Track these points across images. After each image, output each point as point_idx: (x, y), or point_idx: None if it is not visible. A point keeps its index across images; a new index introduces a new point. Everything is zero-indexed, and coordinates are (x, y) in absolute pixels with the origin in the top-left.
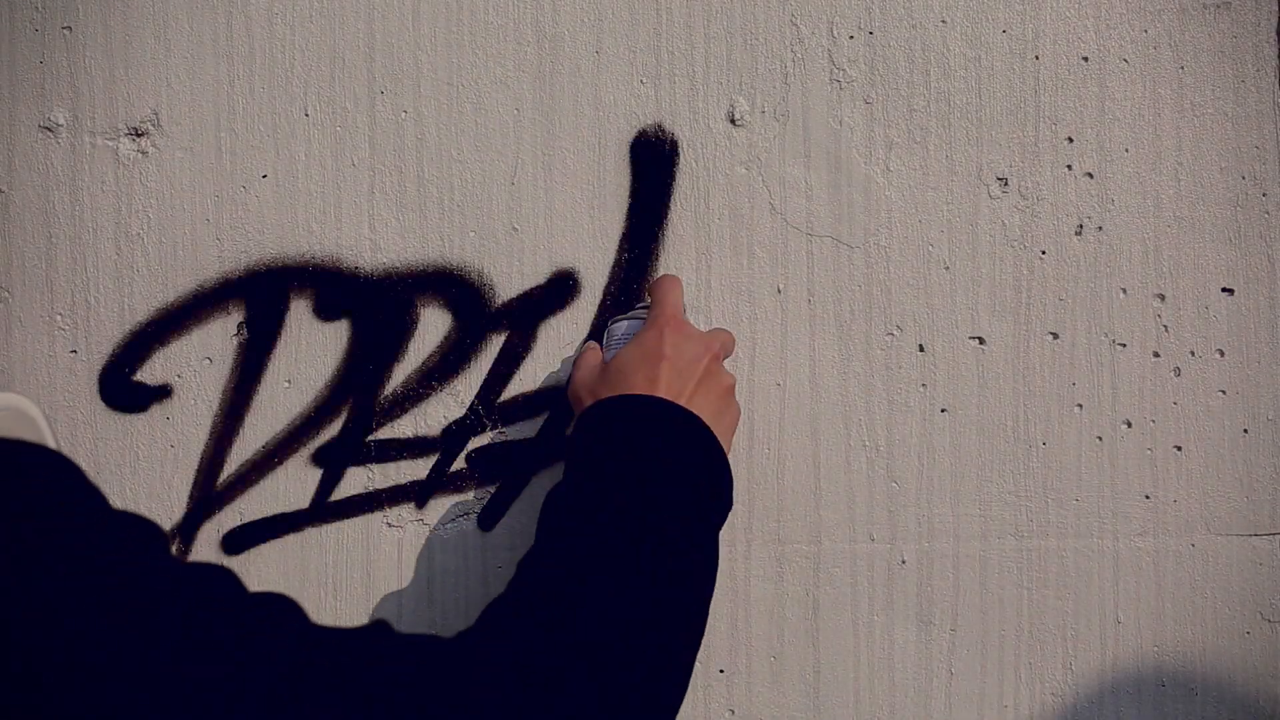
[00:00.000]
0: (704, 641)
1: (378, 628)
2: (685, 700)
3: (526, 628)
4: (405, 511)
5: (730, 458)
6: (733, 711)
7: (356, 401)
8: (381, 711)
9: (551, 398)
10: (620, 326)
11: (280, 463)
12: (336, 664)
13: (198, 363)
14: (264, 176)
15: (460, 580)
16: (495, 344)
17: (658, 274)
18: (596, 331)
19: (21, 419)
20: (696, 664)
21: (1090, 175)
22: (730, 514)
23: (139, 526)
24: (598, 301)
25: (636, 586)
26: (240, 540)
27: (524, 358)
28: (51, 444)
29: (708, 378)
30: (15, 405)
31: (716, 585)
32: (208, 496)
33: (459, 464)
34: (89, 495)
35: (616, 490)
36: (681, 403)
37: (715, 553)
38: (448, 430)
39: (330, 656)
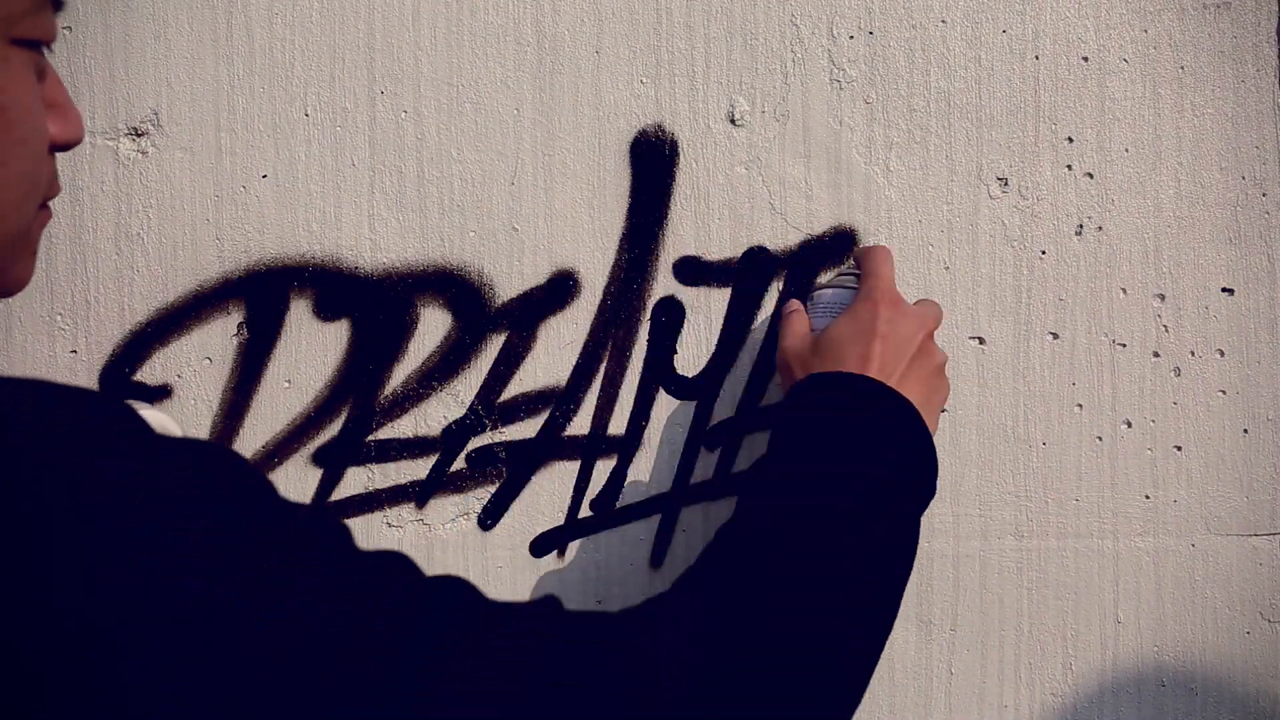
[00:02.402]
0: None
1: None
2: None
3: (718, 595)
4: (405, 511)
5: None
6: None
7: (356, 401)
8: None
9: (551, 398)
10: (826, 295)
11: (280, 463)
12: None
13: (198, 363)
14: (264, 176)
15: None
16: (495, 344)
17: (658, 274)
18: (597, 330)
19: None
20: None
21: (1090, 175)
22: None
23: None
24: (598, 301)
25: (835, 568)
26: None
27: (524, 358)
28: None
29: (920, 355)
30: (163, 424)
31: None
32: None
33: (459, 464)
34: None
35: (823, 470)
36: (893, 382)
37: (915, 539)
38: (448, 430)
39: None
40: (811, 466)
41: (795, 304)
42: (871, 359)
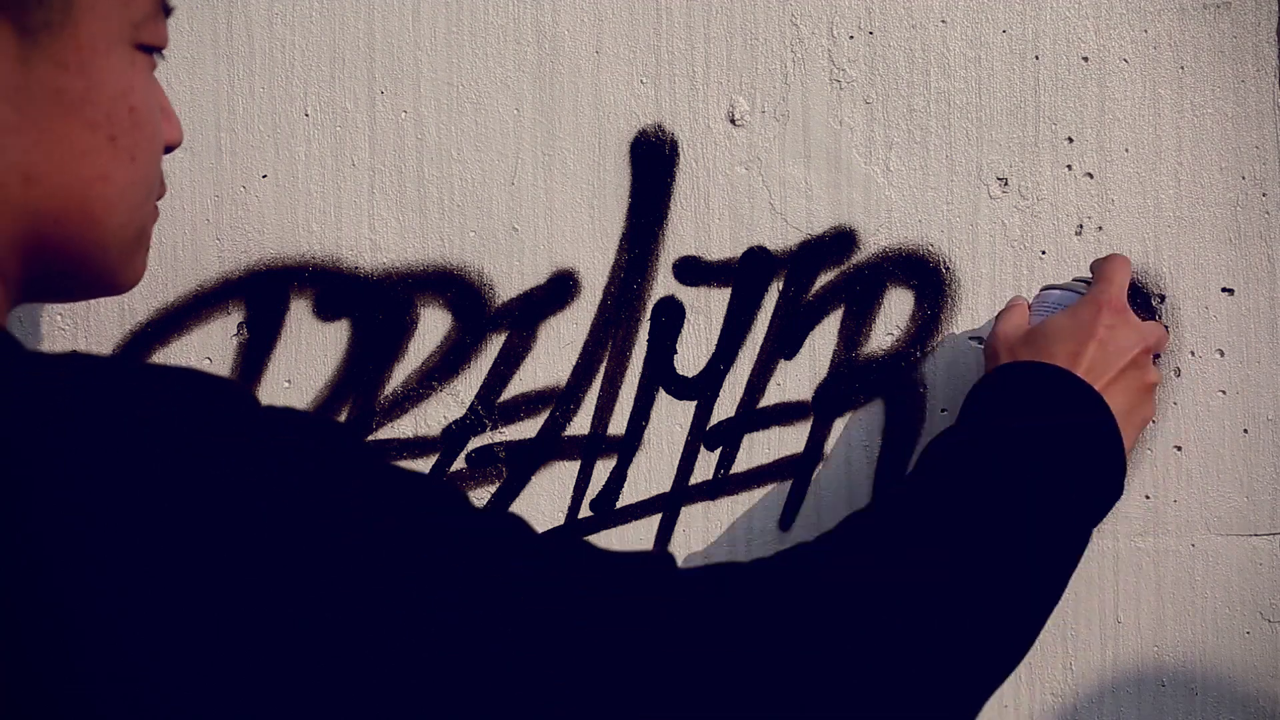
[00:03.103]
0: None
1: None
2: None
3: (873, 553)
4: None
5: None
6: None
7: (356, 401)
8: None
9: (551, 398)
10: (1053, 295)
11: None
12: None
13: (198, 363)
14: (264, 176)
15: None
16: (495, 344)
17: (658, 274)
18: (597, 330)
19: None
20: None
21: (1090, 175)
22: (730, 513)
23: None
24: (598, 301)
25: (990, 565)
26: None
27: (524, 358)
28: None
29: (1132, 368)
30: None
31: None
32: None
33: (459, 464)
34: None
35: (1005, 459)
36: (1098, 388)
37: (1079, 551)
38: (448, 430)
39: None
40: (998, 453)
41: (1019, 299)
42: (1082, 358)
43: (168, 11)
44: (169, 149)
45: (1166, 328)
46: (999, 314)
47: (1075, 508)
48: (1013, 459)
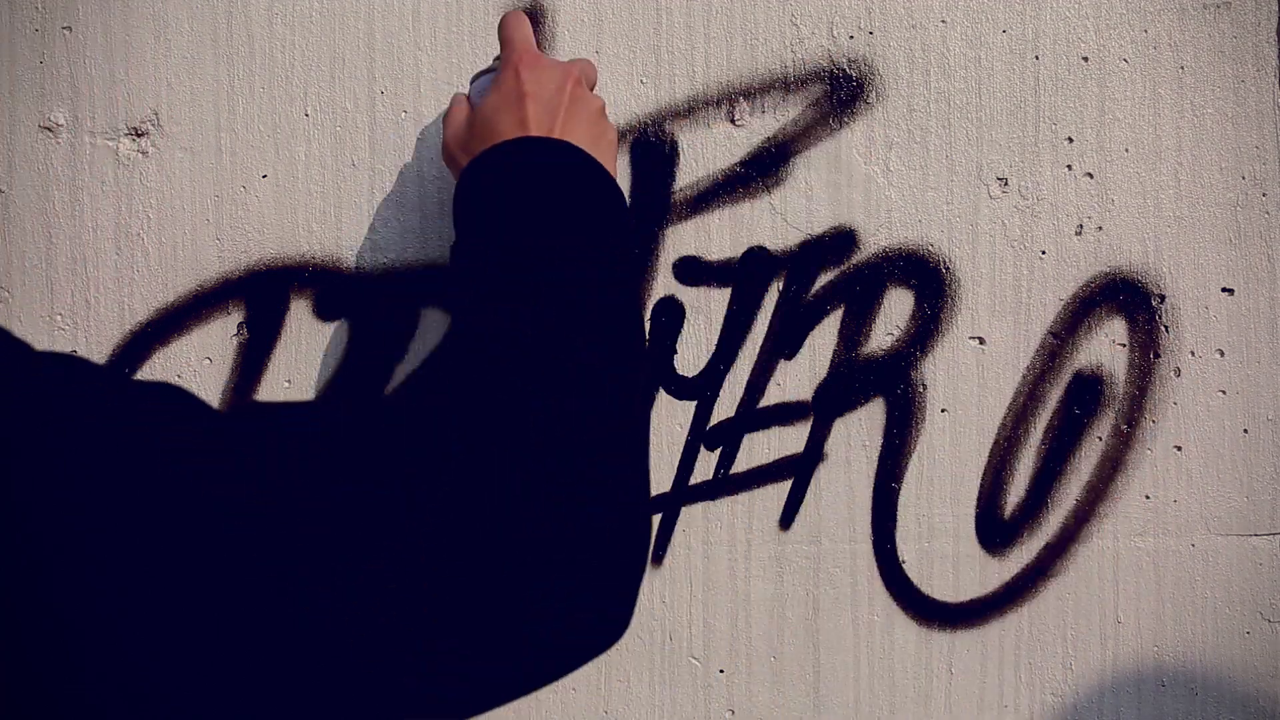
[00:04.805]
0: (703, 641)
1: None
2: (685, 699)
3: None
4: None
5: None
6: (733, 711)
7: (356, 402)
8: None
9: None
10: (482, 80)
11: None
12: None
13: (198, 363)
14: (264, 176)
15: None
16: None
17: (658, 274)
18: None
19: None
20: (696, 664)
21: (1090, 175)
22: (730, 513)
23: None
24: None
25: (572, 311)
26: None
27: None
28: None
29: (574, 103)
30: None
31: (716, 584)
32: None
33: None
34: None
35: (520, 235)
36: (555, 135)
37: (631, 261)
38: None
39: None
40: (509, 237)
41: (458, 95)
42: (527, 120)
43: None
44: None
45: (590, 62)
46: (444, 118)
47: (602, 234)
48: (530, 233)
